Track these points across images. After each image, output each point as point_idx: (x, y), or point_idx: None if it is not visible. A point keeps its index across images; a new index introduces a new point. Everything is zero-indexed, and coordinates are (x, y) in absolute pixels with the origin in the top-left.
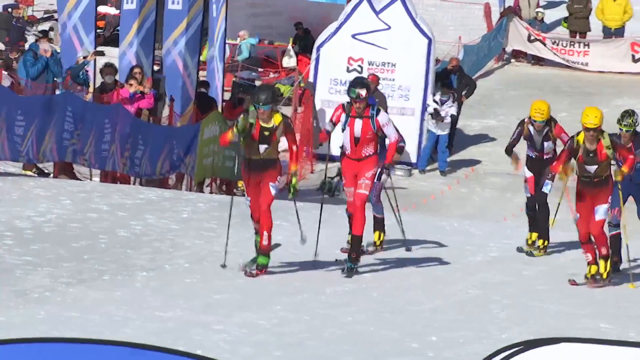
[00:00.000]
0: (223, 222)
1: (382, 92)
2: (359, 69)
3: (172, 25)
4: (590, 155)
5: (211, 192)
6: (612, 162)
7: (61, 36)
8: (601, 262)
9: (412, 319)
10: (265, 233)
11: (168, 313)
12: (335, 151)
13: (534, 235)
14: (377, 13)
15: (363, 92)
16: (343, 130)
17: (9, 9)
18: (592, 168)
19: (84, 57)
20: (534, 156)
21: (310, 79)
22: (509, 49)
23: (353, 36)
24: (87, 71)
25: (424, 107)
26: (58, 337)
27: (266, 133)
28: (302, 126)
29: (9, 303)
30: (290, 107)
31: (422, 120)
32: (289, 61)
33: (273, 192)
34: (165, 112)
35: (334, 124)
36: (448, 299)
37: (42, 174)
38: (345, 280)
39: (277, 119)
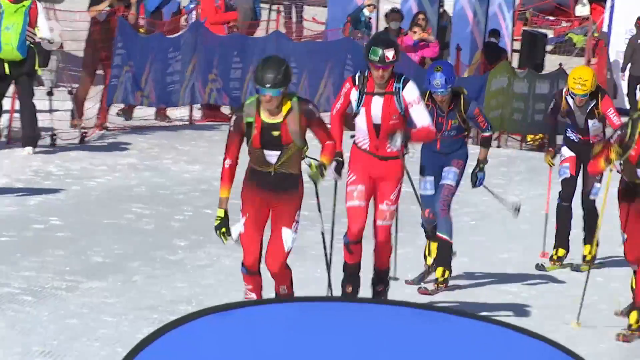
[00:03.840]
0: (509, 178)
1: None
2: None
3: None
4: None
5: (498, 147)
6: None
7: None
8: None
9: None
10: (282, 287)
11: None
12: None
13: (561, 251)
14: None
15: (390, 54)
16: (356, 114)
17: None
18: None
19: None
20: (576, 139)
21: (605, 29)
22: None
23: None
24: (369, 19)
25: None
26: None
27: (274, 133)
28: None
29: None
30: (583, 58)
31: None
32: (582, 9)
33: (288, 244)
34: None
35: (341, 112)
36: None
37: None
38: None
39: (286, 107)
